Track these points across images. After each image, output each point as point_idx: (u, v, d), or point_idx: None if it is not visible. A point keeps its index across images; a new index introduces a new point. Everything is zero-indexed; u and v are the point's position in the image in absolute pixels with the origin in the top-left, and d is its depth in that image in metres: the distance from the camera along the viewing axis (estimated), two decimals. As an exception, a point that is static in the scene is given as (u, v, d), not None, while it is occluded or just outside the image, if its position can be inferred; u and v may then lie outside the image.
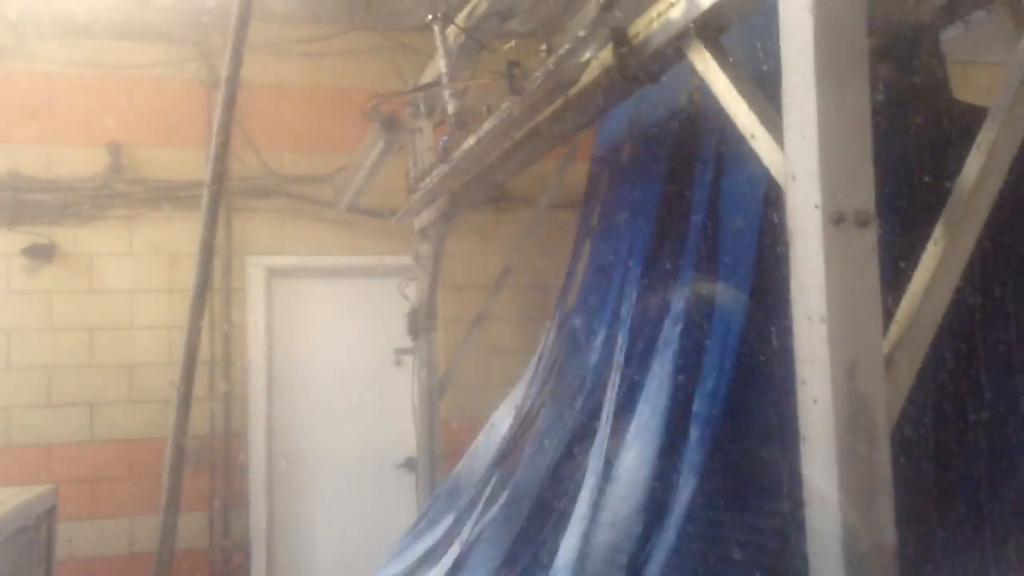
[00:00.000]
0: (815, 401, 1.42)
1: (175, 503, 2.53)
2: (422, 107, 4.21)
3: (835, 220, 1.52)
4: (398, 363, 5.47)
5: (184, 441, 2.60)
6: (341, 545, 5.47)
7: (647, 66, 2.47)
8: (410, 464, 5.34)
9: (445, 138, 3.67)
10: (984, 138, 1.72)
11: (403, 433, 5.34)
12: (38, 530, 3.31)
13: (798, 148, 1.59)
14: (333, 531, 5.48)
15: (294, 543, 5.41)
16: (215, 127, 2.50)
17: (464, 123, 3.43)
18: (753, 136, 1.88)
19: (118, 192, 5.11)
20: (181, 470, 2.53)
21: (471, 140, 3.26)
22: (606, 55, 2.55)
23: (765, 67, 1.97)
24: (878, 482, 1.39)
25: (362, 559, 5.44)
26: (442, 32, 3.55)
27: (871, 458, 1.39)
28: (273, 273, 5.43)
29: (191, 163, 5.18)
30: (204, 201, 2.48)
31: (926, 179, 2.03)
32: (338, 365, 5.54)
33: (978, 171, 1.67)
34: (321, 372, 5.54)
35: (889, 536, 1.40)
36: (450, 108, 3.47)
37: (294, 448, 5.45)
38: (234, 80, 2.49)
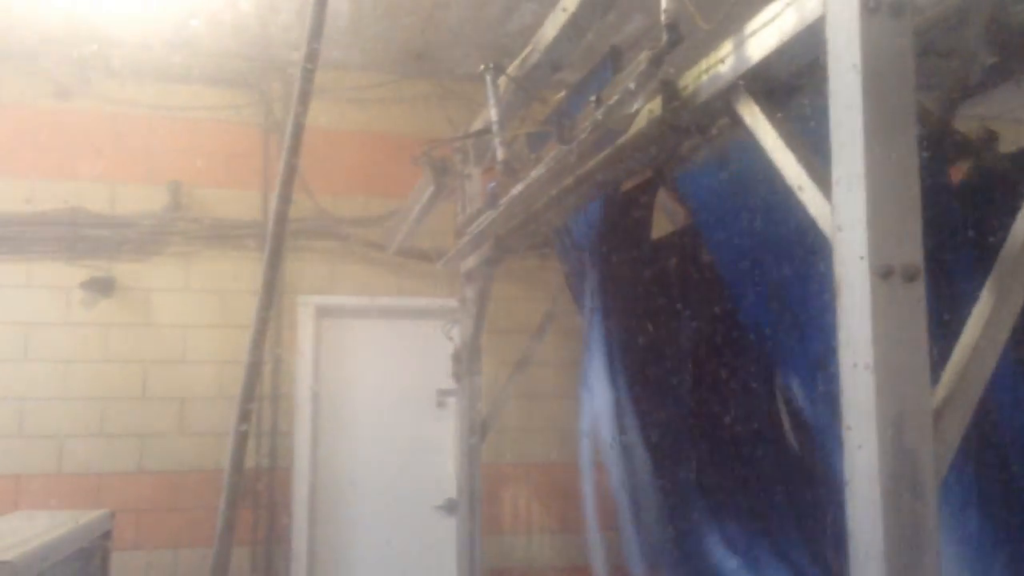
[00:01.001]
0: (860, 447, 1.42)
1: (229, 537, 2.57)
2: (472, 154, 4.29)
3: (883, 274, 1.52)
4: (441, 404, 5.50)
5: (240, 478, 2.66)
6: (379, 585, 5.46)
7: (696, 118, 2.51)
8: (450, 506, 5.35)
9: (493, 184, 3.73)
10: (1034, 194, 1.72)
11: (444, 475, 5.37)
12: (94, 554, 3.38)
13: (846, 201, 1.60)
14: (372, 570, 5.48)
15: (333, 582, 5.42)
16: (281, 168, 2.59)
17: (513, 170, 3.50)
18: (800, 188, 1.90)
19: (176, 230, 5.26)
20: (236, 504, 2.58)
21: (519, 187, 3.33)
22: (655, 106, 2.59)
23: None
24: (924, 538, 1.38)
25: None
26: (494, 82, 3.63)
27: (917, 512, 1.39)
28: (322, 312, 5.52)
29: (247, 204, 5.34)
30: (268, 242, 2.55)
31: (972, 234, 2.03)
32: (383, 404, 5.60)
33: (1028, 227, 1.67)
34: (366, 411, 5.59)
35: (935, 592, 1.39)
36: (499, 155, 3.54)
37: (337, 485, 5.48)
38: (299, 124, 2.58)
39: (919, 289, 1.53)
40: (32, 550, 2.69)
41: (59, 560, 2.90)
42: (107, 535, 3.58)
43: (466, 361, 4.73)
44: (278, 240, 2.59)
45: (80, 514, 3.38)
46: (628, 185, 3.50)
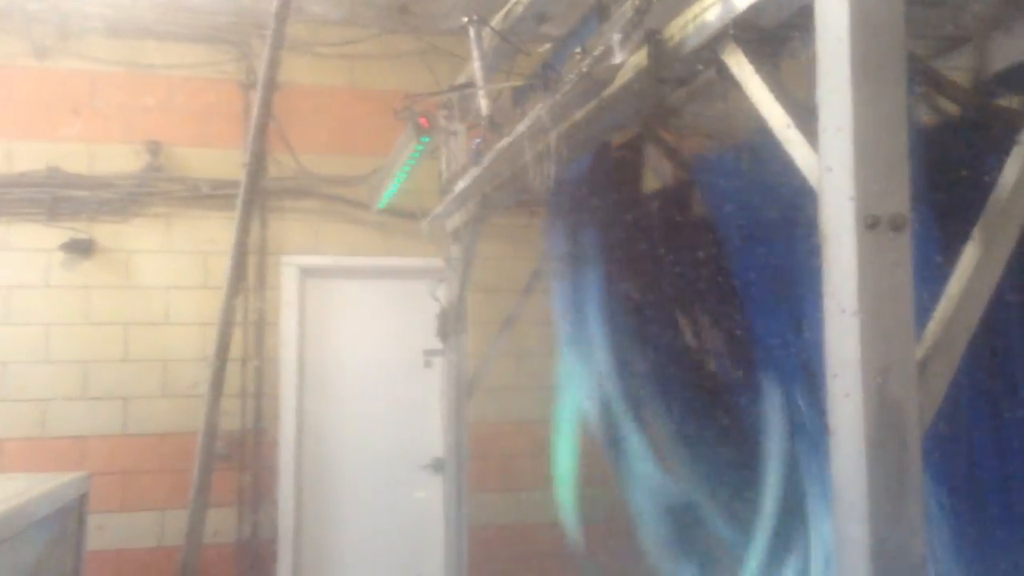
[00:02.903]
0: (846, 396, 1.40)
1: (204, 497, 2.55)
2: (456, 109, 4.22)
3: (869, 224, 1.50)
4: (428, 364, 5.48)
5: (214, 437, 2.63)
6: (367, 543, 5.49)
7: (682, 69, 2.46)
8: (437, 465, 5.36)
9: (478, 140, 3.68)
10: (1024, 140, 1.69)
11: (431, 434, 5.37)
12: (69, 516, 3.36)
13: (832, 150, 1.57)
14: (359, 529, 5.50)
15: (321, 540, 5.44)
16: (253, 122, 2.53)
17: (497, 125, 3.44)
18: (787, 138, 1.87)
19: (156, 190, 5.19)
20: (210, 465, 2.56)
21: (504, 142, 3.27)
22: (640, 57, 2.54)
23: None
24: (908, 487, 1.37)
25: (387, 557, 5.48)
26: (477, 35, 3.56)
27: (902, 461, 1.37)
28: (306, 273, 5.48)
29: (228, 163, 5.25)
30: (241, 192, 2.50)
31: (964, 174, 2.00)
32: (368, 365, 5.58)
33: (1017, 173, 1.64)
34: (351, 371, 5.57)
35: (918, 543, 1.38)
36: (484, 110, 3.48)
37: (323, 446, 5.48)
38: (271, 76, 2.52)
39: (905, 239, 1.50)
40: (2, 513, 2.67)
41: (32, 522, 2.88)
42: (84, 497, 3.56)
43: (452, 320, 4.71)
44: (250, 192, 2.54)
45: (55, 476, 3.36)
46: (617, 142, 3.47)
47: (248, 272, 5.06)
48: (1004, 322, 2.01)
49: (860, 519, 1.36)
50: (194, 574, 3.79)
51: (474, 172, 3.65)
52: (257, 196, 4.38)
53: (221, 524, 5.03)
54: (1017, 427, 2.03)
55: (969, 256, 1.62)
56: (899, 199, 1.51)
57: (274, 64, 2.70)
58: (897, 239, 1.50)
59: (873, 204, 1.50)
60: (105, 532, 4.83)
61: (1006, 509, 2.01)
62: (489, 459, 5.35)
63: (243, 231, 2.64)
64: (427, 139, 4.01)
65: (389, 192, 5.02)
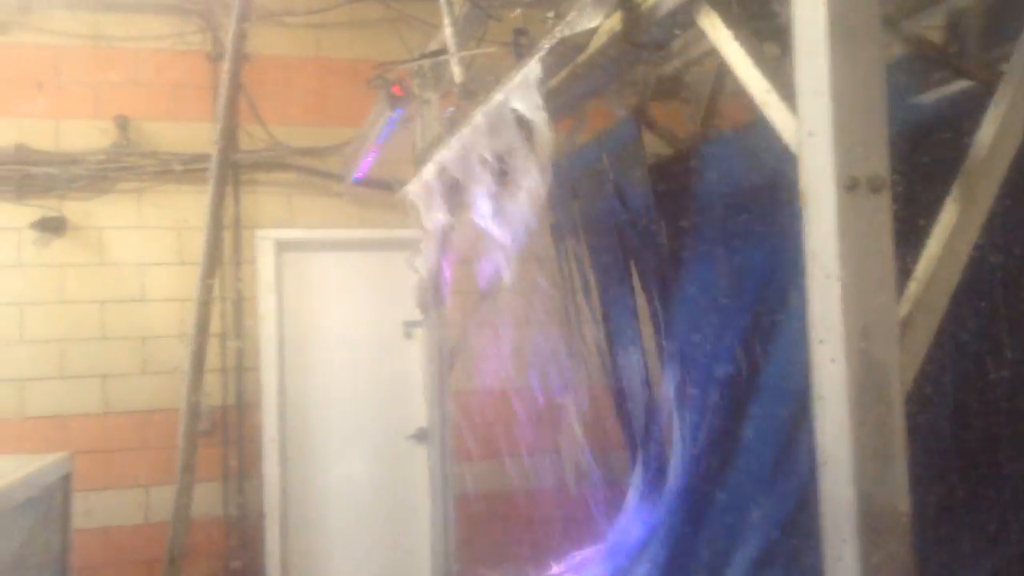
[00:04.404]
0: (833, 361, 1.41)
1: (190, 476, 2.55)
2: (429, 78, 4.18)
3: (848, 186, 1.50)
4: (408, 335, 5.48)
5: (197, 416, 2.62)
6: (353, 516, 5.52)
7: (656, 33, 2.44)
8: (421, 435, 5.37)
9: (452, 109, 3.64)
10: (1002, 96, 1.70)
11: (414, 405, 5.38)
12: (53, 497, 3.34)
13: (811, 113, 1.57)
14: (345, 502, 5.52)
15: (307, 513, 5.46)
16: (221, 95, 2.49)
17: (471, 93, 3.40)
18: (766, 102, 1.86)
19: (127, 165, 5.11)
20: (195, 440, 2.55)
21: (478, 111, 3.24)
22: (614, 22, 2.51)
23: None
24: (893, 446, 1.39)
25: (374, 529, 5.51)
26: (448, 1, 3.52)
27: (886, 422, 1.39)
28: (282, 246, 5.44)
29: (199, 136, 5.17)
30: (212, 169, 2.47)
31: (946, 135, 2.00)
32: (349, 337, 5.56)
33: (995, 130, 1.65)
34: (332, 344, 5.55)
35: (903, 501, 1.40)
36: (456, 77, 3.45)
37: (306, 420, 5.48)
38: (239, 48, 2.48)
39: (885, 200, 1.51)
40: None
41: (16, 505, 2.86)
42: (67, 477, 3.53)
43: (431, 291, 4.69)
44: (222, 166, 2.50)
45: (37, 458, 3.33)
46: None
47: (223, 247, 5.01)
48: (987, 281, 2.03)
49: (847, 479, 1.38)
50: (182, 551, 3.80)
51: (448, 142, 3.62)
52: (229, 170, 4.33)
53: (208, 498, 5.03)
54: (1002, 387, 2.06)
55: (948, 215, 1.63)
56: (878, 160, 1.51)
57: (241, 35, 2.65)
58: (877, 200, 1.50)
59: (853, 166, 1.50)
60: (91, 511, 4.82)
61: (992, 468, 2.04)
62: (472, 428, 5.37)
63: (217, 206, 2.61)
64: (401, 108, 3.96)
65: (364, 163, 4.98)
